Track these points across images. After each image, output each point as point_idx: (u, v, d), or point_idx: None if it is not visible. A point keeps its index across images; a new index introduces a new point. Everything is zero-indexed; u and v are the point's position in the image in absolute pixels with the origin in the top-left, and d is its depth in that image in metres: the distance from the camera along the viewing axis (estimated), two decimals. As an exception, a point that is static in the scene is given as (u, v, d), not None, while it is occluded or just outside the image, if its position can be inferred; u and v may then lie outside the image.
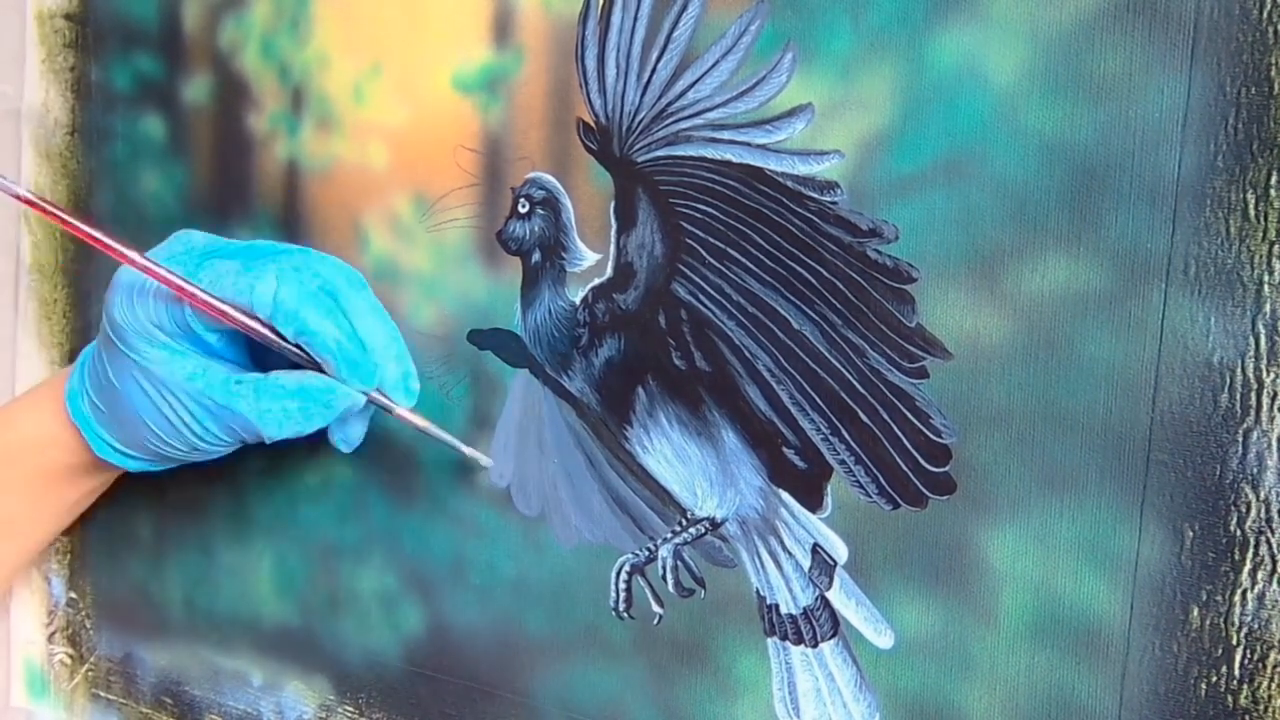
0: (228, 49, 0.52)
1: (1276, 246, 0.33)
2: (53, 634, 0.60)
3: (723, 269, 0.41)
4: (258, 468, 0.52)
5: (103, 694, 0.59)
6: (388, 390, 0.45)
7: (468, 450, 0.46)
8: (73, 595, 0.60)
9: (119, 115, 0.56)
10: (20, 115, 0.59)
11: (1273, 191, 0.33)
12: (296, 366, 0.45)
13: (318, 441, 0.49)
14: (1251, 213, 0.33)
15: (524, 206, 0.44)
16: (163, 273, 0.43)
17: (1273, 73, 0.32)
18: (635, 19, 0.41)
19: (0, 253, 0.60)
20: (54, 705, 0.61)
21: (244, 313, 0.44)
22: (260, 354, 0.47)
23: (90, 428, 0.48)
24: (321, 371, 0.44)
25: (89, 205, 0.57)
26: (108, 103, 0.56)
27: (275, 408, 0.44)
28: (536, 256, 0.44)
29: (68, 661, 0.60)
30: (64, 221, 0.44)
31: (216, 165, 0.53)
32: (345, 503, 0.50)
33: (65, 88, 0.57)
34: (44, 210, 0.44)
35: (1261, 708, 0.34)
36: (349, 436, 0.47)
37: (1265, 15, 0.32)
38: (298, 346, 0.44)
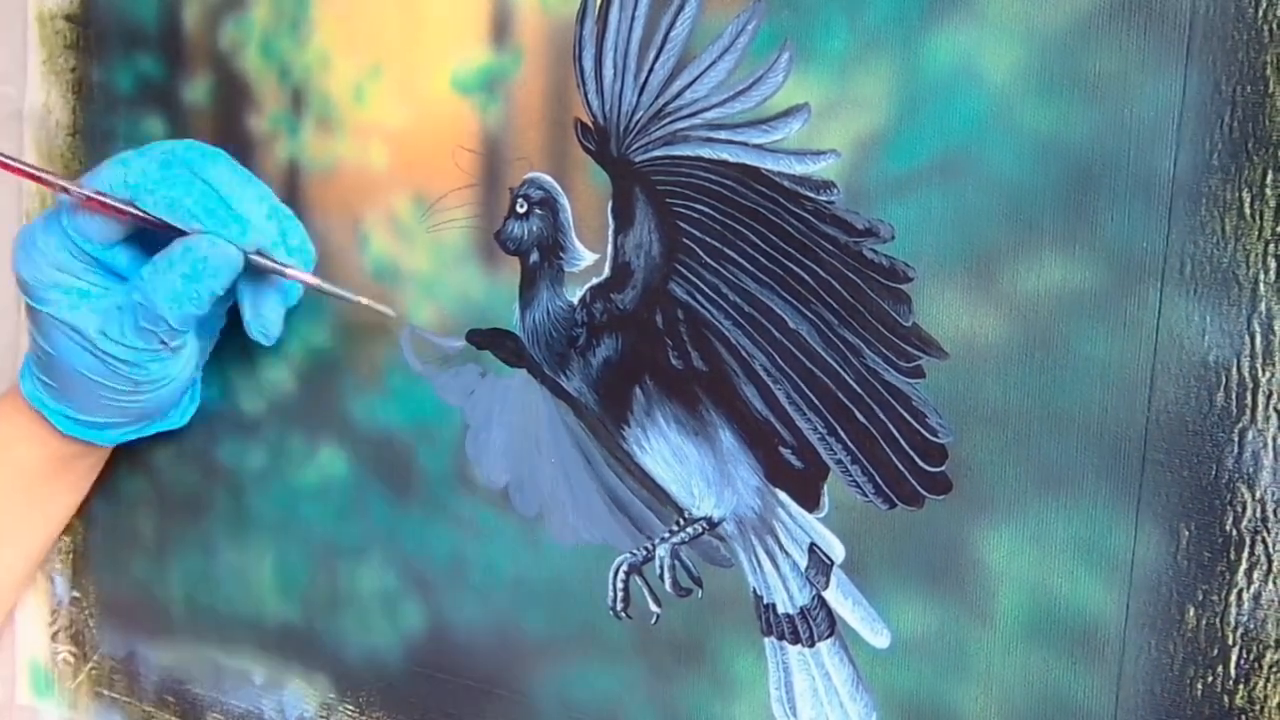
0: (228, 50, 0.52)
1: (1272, 245, 0.33)
2: (56, 633, 0.61)
3: (719, 268, 0.41)
4: (258, 467, 0.52)
5: (106, 692, 0.59)
6: (271, 252, 0.46)
7: (366, 301, 0.47)
8: (76, 594, 0.60)
9: (120, 116, 0.56)
10: (22, 117, 0.59)
11: (1268, 190, 0.32)
12: None
13: (317, 441, 0.49)
14: (1247, 211, 0.33)
15: (522, 206, 0.44)
16: (48, 178, 0.45)
17: (1268, 71, 0.32)
18: (632, 19, 0.41)
19: (0, 251, 0.60)
20: (58, 703, 0.61)
21: (118, 200, 0.45)
22: None
23: (46, 405, 0.49)
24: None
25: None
26: (109, 104, 0.56)
27: (164, 284, 0.44)
28: (535, 256, 0.44)
29: (71, 660, 0.60)
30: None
31: (217, 166, 0.53)
32: (345, 502, 0.51)
33: (66, 89, 0.58)
34: None
35: (1257, 708, 0.34)
36: (265, 326, 0.48)
37: (1260, 13, 0.32)
38: (168, 224, 0.45)
